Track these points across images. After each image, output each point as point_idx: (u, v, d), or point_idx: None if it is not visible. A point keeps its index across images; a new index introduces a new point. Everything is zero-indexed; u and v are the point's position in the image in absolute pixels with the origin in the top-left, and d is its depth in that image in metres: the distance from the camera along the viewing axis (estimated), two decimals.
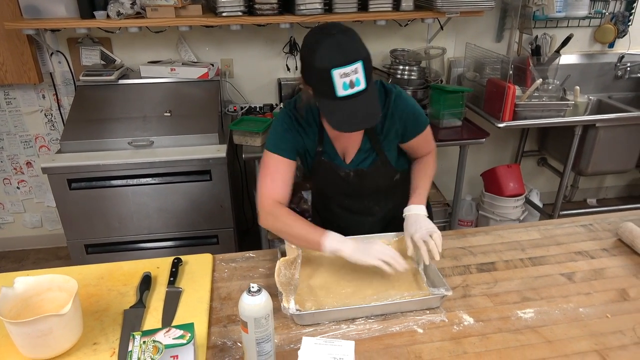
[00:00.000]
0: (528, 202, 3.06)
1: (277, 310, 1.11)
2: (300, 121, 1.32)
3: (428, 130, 1.41)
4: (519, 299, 1.19)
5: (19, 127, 2.71)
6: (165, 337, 0.96)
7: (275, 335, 1.08)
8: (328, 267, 1.30)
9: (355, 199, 1.51)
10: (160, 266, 1.31)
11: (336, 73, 1.05)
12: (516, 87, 2.62)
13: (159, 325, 1.10)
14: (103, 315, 1.14)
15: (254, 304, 0.89)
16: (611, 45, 3.00)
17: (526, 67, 2.75)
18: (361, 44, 1.12)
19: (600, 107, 2.92)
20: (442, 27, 2.66)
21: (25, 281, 1.06)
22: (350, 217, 1.56)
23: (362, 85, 1.09)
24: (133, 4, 2.15)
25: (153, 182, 2.18)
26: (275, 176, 1.30)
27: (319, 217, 1.66)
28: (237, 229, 2.49)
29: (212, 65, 2.48)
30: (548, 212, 2.91)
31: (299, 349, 0.86)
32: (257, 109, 2.70)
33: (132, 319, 1.11)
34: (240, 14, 2.23)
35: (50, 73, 2.59)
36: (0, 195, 2.89)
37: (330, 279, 1.26)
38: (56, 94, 2.65)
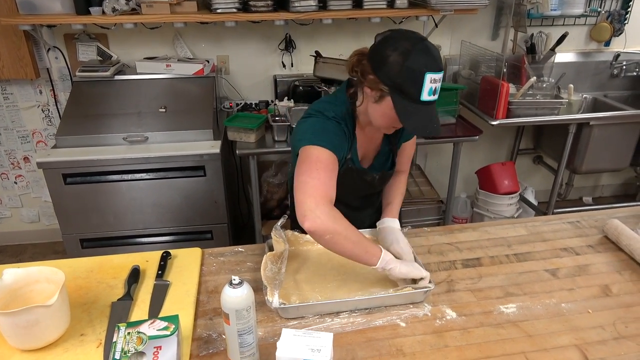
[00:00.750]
0: (523, 199, 3.08)
1: (263, 303, 1.13)
2: (346, 131, 1.27)
3: (415, 141, 1.51)
4: (502, 294, 1.21)
5: (16, 123, 2.73)
6: (149, 329, 0.97)
7: (259, 327, 1.10)
8: (314, 262, 1.32)
9: (366, 198, 1.54)
10: (149, 260, 1.33)
11: (429, 77, 1.09)
12: (511, 85, 2.64)
13: (146, 317, 1.12)
14: (91, 307, 1.16)
15: (235, 296, 0.91)
16: (607, 43, 3.01)
17: (521, 65, 2.76)
18: None
19: (596, 106, 2.92)
20: (436, 25, 2.67)
21: (14, 273, 1.07)
22: (352, 213, 1.57)
23: (437, 95, 1.15)
24: (128, 0, 2.16)
25: (147, 177, 2.20)
26: (332, 174, 1.17)
27: None
28: (232, 224, 2.51)
29: (208, 61, 2.49)
30: (543, 210, 2.92)
31: None
32: (253, 106, 2.72)
33: (120, 311, 1.13)
34: (234, 10, 2.24)
35: (47, 69, 2.61)
36: None
37: (316, 273, 1.27)
38: (53, 89, 2.67)
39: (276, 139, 2.31)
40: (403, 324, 1.11)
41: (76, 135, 2.20)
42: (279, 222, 1.31)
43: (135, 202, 2.24)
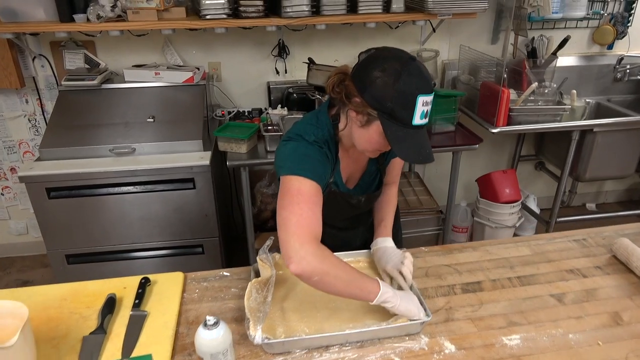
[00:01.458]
0: (525, 208, 2.99)
1: (247, 336, 1.05)
2: (328, 155, 1.18)
3: None
4: (505, 324, 1.12)
5: (2, 133, 2.65)
6: None
7: None
8: (303, 288, 1.23)
9: (354, 219, 1.46)
10: (127, 286, 1.24)
11: (421, 100, 1.01)
12: (511, 90, 2.56)
13: (119, 354, 1.04)
14: (61, 342, 1.07)
15: (210, 339, 0.83)
16: (610, 46, 2.92)
17: (522, 70, 2.67)
18: None
19: (599, 111, 2.84)
20: (434, 30, 2.59)
21: None
22: (341, 234, 1.50)
23: (428, 119, 1.07)
24: (114, 6, 2.08)
25: (135, 190, 2.12)
26: (315, 207, 1.07)
27: None
28: (224, 237, 2.42)
29: (198, 69, 2.41)
30: (545, 218, 2.84)
31: None
32: (246, 114, 2.63)
33: (91, 347, 1.05)
34: (224, 16, 2.16)
35: (33, 77, 2.53)
36: None
37: (305, 301, 1.19)
38: (40, 98, 2.59)
39: (268, 149, 2.22)
40: (398, 359, 1.03)
41: (61, 147, 2.12)
42: (266, 245, 1.22)
43: (122, 216, 2.16)
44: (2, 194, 2.81)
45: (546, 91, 2.49)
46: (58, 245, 2.19)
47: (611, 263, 1.34)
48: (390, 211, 1.43)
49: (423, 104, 1.02)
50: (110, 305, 1.15)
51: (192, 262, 2.32)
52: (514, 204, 2.78)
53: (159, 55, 2.57)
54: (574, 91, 2.56)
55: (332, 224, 1.47)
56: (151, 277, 1.28)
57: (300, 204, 1.05)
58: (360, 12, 2.26)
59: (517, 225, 2.87)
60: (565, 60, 2.85)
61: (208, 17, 2.14)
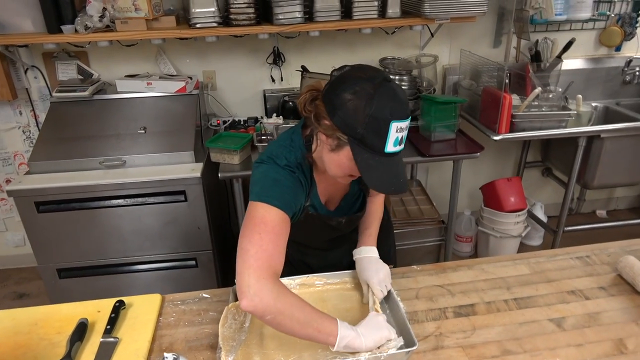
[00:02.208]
0: (531, 216, 2.89)
1: None
2: (302, 180, 1.11)
3: None
4: (499, 352, 1.04)
5: None
6: None
7: None
8: None
9: (337, 238, 1.39)
10: (101, 310, 1.19)
11: (395, 126, 0.94)
12: (514, 96, 2.47)
13: None
14: None
15: None
16: (618, 48, 2.82)
17: (525, 74, 2.58)
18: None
19: (607, 115, 2.74)
20: (432, 34, 2.51)
21: None
22: (326, 254, 1.44)
23: (403, 145, 1.00)
24: (102, 17, 2.04)
25: (125, 203, 2.07)
26: (278, 239, 1.00)
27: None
28: (219, 250, 2.36)
29: (191, 78, 2.36)
30: (553, 227, 2.73)
31: None
32: (242, 123, 2.58)
33: None
34: (215, 25, 2.11)
35: (27, 89, 2.50)
36: None
37: None
38: (33, 110, 2.56)
39: None
40: None
41: (50, 160, 2.08)
42: None
43: (114, 229, 2.11)
44: None
45: (550, 96, 2.40)
46: (49, 259, 2.15)
47: (616, 283, 1.25)
48: (376, 220, 1.35)
49: (397, 130, 0.94)
50: (80, 332, 1.10)
51: (186, 276, 2.26)
52: (520, 213, 2.68)
53: (152, 65, 2.53)
54: (580, 96, 2.46)
55: (315, 246, 1.40)
56: (127, 299, 1.22)
57: (261, 233, 0.98)
58: (355, 17, 2.19)
59: (524, 234, 2.77)
60: (571, 63, 2.76)
61: (198, 25, 2.10)
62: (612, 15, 2.68)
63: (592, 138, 2.40)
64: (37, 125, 2.60)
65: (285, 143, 1.12)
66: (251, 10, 2.10)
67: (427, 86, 2.57)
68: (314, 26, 2.17)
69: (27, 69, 2.45)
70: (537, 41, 2.68)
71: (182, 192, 2.07)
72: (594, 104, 2.71)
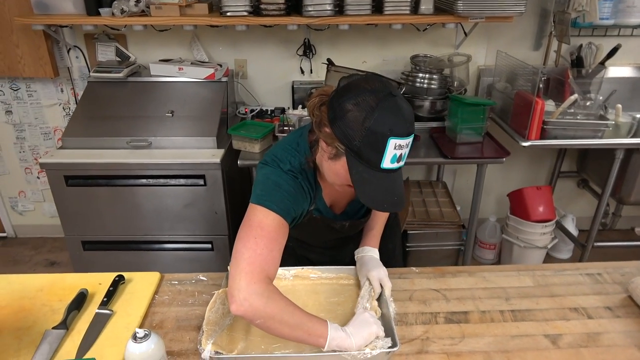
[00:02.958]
0: (560, 228, 2.77)
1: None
2: (304, 186, 1.10)
3: None
4: None
5: (39, 119, 2.78)
6: None
7: None
8: None
9: (339, 240, 1.40)
10: (102, 283, 1.24)
11: (393, 143, 0.91)
12: (550, 102, 2.37)
13: (74, 352, 1.03)
14: (25, 333, 1.08)
15: (139, 352, 0.79)
16: None
17: (565, 79, 2.46)
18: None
19: None
20: (465, 34, 2.44)
21: None
22: (329, 251, 1.44)
23: (403, 162, 0.97)
24: (138, 1, 2.11)
25: (148, 183, 2.14)
26: (273, 244, 1.00)
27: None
28: (236, 235, 2.40)
29: (220, 65, 2.40)
30: (582, 242, 2.61)
31: None
32: (268, 112, 2.60)
33: (50, 342, 1.04)
34: (245, 13, 2.13)
35: (68, 68, 2.63)
36: (22, 184, 2.98)
37: None
38: (73, 88, 2.69)
39: None
40: None
41: (81, 137, 2.18)
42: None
43: (136, 207, 2.19)
44: (38, 178, 2.94)
45: (588, 104, 2.28)
46: (75, 231, 2.26)
47: (625, 305, 1.19)
48: (380, 222, 1.34)
49: (396, 147, 0.91)
50: (79, 301, 1.15)
51: (202, 259, 2.32)
52: (547, 224, 2.58)
53: (187, 51, 2.59)
54: (619, 105, 2.33)
55: (317, 245, 1.41)
56: (128, 275, 1.27)
57: (257, 238, 0.97)
58: (385, 12, 2.16)
59: (550, 246, 2.66)
60: (617, 71, 2.60)
61: (229, 14, 2.13)
62: None
63: (630, 151, 2.27)
64: (76, 103, 2.72)
65: (291, 146, 1.11)
66: (281, 0, 2.11)
67: (458, 86, 2.50)
68: (344, 19, 2.15)
69: (70, 48, 2.57)
70: (581, 46, 2.55)
71: (202, 177, 2.12)
72: (638, 116, 2.55)
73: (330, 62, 2.28)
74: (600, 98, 2.39)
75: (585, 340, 1.07)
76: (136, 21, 2.15)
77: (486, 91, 2.69)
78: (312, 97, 1.05)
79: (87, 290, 1.19)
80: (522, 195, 2.60)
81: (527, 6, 2.22)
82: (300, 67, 2.63)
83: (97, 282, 1.24)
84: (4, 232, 3.12)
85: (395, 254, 1.54)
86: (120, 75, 2.36)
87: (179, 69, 2.38)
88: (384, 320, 1.09)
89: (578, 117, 2.25)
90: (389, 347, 0.99)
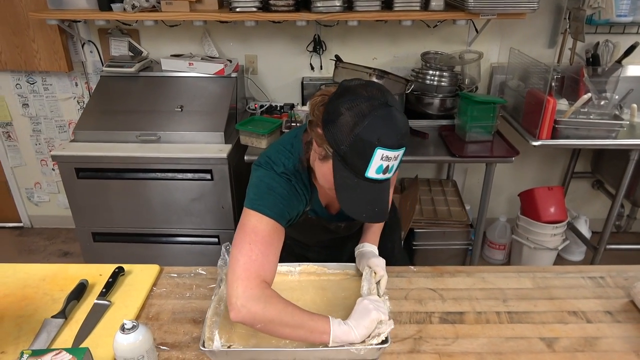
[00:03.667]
0: (573, 229, 2.72)
1: (198, 339, 1.02)
2: (298, 188, 1.09)
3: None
4: None
5: (55, 112, 2.84)
6: None
7: None
8: (291, 295, 1.18)
9: (335, 240, 1.39)
10: (103, 274, 1.26)
11: (380, 153, 0.90)
12: (563, 101, 2.33)
13: (71, 340, 1.05)
14: (25, 321, 1.11)
15: (126, 343, 0.80)
16: None
17: (579, 78, 2.41)
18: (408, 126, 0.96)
19: None
20: (477, 30, 2.40)
21: None
22: (326, 251, 1.44)
23: (391, 174, 0.95)
24: None
25: (156, 177, 2.17)
26: (268, 249, 1.00)
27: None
28: None
29: (230, 61, 2.42)
30: (594, 244, 2.55)
31: None
32: (278, 108, 2.61)
33: (49, 330, 1.07)
34: (254, 9, 2.14)
35: (82, 62, 2.67)
36: (38, 175, 3.05)
37: None
38: (87, 82, 2.73)
39: None
40: None
41: (92, 131, 2.22)
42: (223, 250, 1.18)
43: (144, 200, 2.23)
44: (53, 170, 3.01)
45: (602, 103, 2.22)
46: (85, 222, 2.30)
47: (627, 309, 1.16)
48: None
49: (382, 158, 0.90)
50: (78, 291, 1.17)
51: (208, 252, 2.34)
52: (558, 225, 2.53)
53: (198, 46, 2.61)
54: (634, 105, 2.26)
55: (313, 244, 1.41)
56: (127, 267, 1.29)
57: (252, 244, 0.98)
58: (395, 8, 2.14)
59: (561, 247, 2.61)
60: (635, 69, 2.53)
61: (238, 9, 2.14)
62: None
63: None
64: (90, 97, 2.77)
65: (285, 147, 1.11)
66: None
67: (469, 84, 2.47)
68: (353, 15, 2.14)
69: (84, 43, 2.61)
70: (597, 44, 2.49)
71: (209, 171, 2.14)
72: None
73: (338, 59, 2.27)
74: (616, 97, 2.33)
75: (582, 344, 1.05)
76: (147, 16, 2.17)
77: (499, 89, 2.65)
78: (315, 95, 1.04)
79: (87, 281, 1.22)
80: (533, 195, 2.56)
81: (541, 3, 2.19)
82: (310, 64, 2.63)
83: (98, 273, 1.27)
84: (21, 222, 3.20)
85: (395, 254, 1.53)
86: (132, 70, 2.40)
87: (189, 64, 2.40)
88: None
89: (591, 117, 2.20)
90: (380, 344, 0.98)
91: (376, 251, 1.28)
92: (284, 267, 1.28)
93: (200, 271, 1.30)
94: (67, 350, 0.92)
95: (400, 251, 1.60)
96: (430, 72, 2.37)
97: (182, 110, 2.28)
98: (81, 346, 1.02)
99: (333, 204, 1.24)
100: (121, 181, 2.19)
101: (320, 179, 1.04)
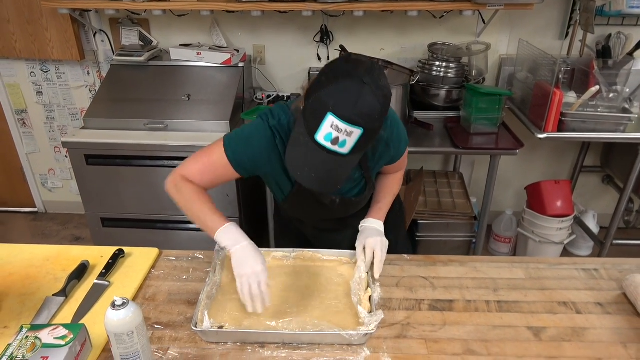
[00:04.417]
0: (580, 224, 2.69)
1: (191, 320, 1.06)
2: (280, 147, 1.14)
3: (406, 150, 1.32)
4: (461, 351, 1.02)
5: (68, 100, 2.90)
6: (48, 335, 0.94)
7: (176, 346, 1.03)
8: (285, 280, 1.21)
9: (333, 221, 1.41)
10: (104, 256, 1.30)
11: (330, 119, 0.92)
12: (572, 93, 2.29)
13: (70, 317, 1.09)
14: (28, 299, 1.15)
15: (116, 319, 0.83)
16: None
17: (589, 70, 2.37)
18: (380, 112, 0.96)
19: None
20: (484, 21, 2.38)
21: None
22: (324, 235, 1.46)
23: (343, 150, 0.96)
24: None
25: (162, 164, 2.21)
26: (208, 171, 1.19)
27: (285, 230, 1.57)
28: (249, 218, 2.46)
29: (237, 51, 2.44)
30: (601, 239, 2.53)
31: None
32: (285, 98, 2.63)
33: (50, 307, 1.12)
34: None
35: (94, 51, 2.72)
36: (52, 162, 3.13)
37: (280, 294, 1.16)
38: (99, 71, 2.79)
39: None
40: None
41: (102, 118, 2.27)
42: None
43: (151, 187, 2.27)
44: (66, 157, 3.08)
45: (611, 96, 2.19)
46: (95, 208, 2.36)
47: (618, 302, 1.16)
48: (389, 196, 1.36)
49: (332, 126, 0.92)
50: (79, 271, 1.22)
51: (213, 239, 2.38)
52: (564, 219, 2.51)
53: (207, 36, 2.64)
54: None
55: (311, 224, 1.42)
56: (128, 249, 1.33)
57: (199, 161, 1.19)
58: None
59: (567, 242, 2.59)
60: None
61: None
62: None
63: None
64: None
65: (287, 105, 1.17)
66: None
67: (476, 75, 2.46)
68: (358, 6, 2.14)
69: (96, 32, 2.66)
70: (609, 35, 2.44)
71: None
72: None
73: (342, 49, 2.28)
74: (627, 90, 2.30)
75: (570, 334, 1.06)
76: (155, 6, 2.20)
77: (507, 81, 2.62)
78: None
79: (88, 262, 1.26)
80: (540, 188, 2.54)
81: None
82: (318, 54, 2.64)
83: (99, 255, 1.31)
84: (35, 207, 3.29)
85: (398, 248, 1.53)
86: (141, 59, 2.43)
87: (197, 53, 2.43)
88: (372, 303, 1.11)
89: (599, 110, 2.17)
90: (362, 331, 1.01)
91: (381, 227, 1.28)
92: (279, 253, 1.30)
93: (197, 255, 1.33)
94: (64, 325, 0.96)
95: (405, 245, 1.60)
96: (437, 63, 2.36)
97: (189, 99, 2.31)
98: (80, 323, 1.06)
99: None
100: (129, 168, 2.23)
101: None
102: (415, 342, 1.04)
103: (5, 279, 1.22)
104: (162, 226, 2.39)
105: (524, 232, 2.64)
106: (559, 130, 2.15)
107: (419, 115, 2.37)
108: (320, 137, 0.94)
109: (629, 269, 1.27)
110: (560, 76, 2.09)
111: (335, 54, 2.59)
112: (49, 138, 3.03)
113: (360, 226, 1.30)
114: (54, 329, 0.95)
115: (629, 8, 2.24)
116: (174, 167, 2.14)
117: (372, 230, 1.27)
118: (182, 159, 2.12)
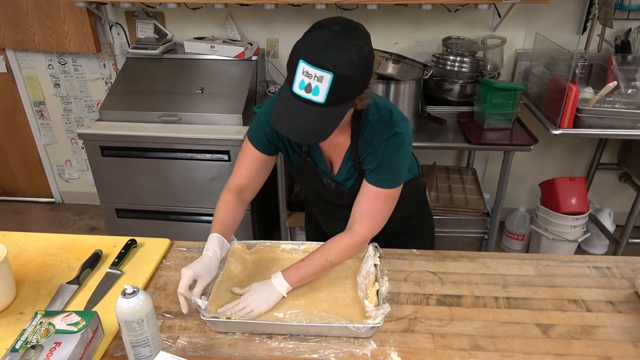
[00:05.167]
0: (595, 222, 2.65)
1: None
2: None
3: (384, 192, 1.15)
4: (468, 346, 1.01)
5: (84, 92, 2.94)
6: (61, 322, 0.96)
7: (185, 335, 1.04)
8: None
9: (334, 208, 1.40)
10: (117, 245, 1.33)
11: (302, 66, 0.94)
12: (589, 89, 2.26)
13: (83, 305, 1.12)
14: (43, 286, 1.18)
15: (126, 307, 0.85)
16: None
17: (608, 66, 2.33)
18: (351, 60, 0.94)
19: None
20: (499, 15, 2.35)
21: None
22: (331, 223, 1.46)
23: (319, 98, 0.96)
24: None
25: (176, 156, 2.24)
26: (242, 165, 1.27)
27: (309, 219, 1.64)
28: (259, 212, 2.47)
29: (251, 44, 2.45)
30: (616, 237, 2.49)
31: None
32: None
33: (63, 295, 1.14)
34: None
35: (110, 44, 2.76)
36: (69, 153, 3.18)
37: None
38: (115, 63, 2.82)
39: None
40: None
41: (117, 111, 2.30)
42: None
43: (165, 179, 2.30)
44: (83, 148, 3.13)
45: (629, 92, 2.15)
46: (109, 199, 2.40)
47: (630, 300, 1.14)
48: (321, 258, 1.15)
49: (303, 73, 0.94)
50: (93, 260, 1.24)
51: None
52: (579, 217, 2.48)
53: (221, 29, 2.65)
54: None
55: (323, 210, 1.43)
56: (140, 239, 1.35)
57: (237, 159, 1.29)
58: None
59: (581, 240, 2.56)
60: None
61: None
62: None
63: None
64: None
65: None
66: None
67: (491, 70, 2.42)
68: None
69: (112, 25, 2.69)
70: (629, 30, 2.39)
71: (227, 152, 2.19)
72: None
73: None
74: None
75: (579, 332, 1.05)
76: None
77: (523, 76, 2.59)
78: None
79: (101, 251, 1.28)
80: (554, 185, 2.51)
81: None
82: None
83: (112, 244, 1.33)
84: (52, 197, 3.35)
85: (426, 245, 1.50)
86: (156, 52, 2.46)
87: (211, 47, 2.44)
88: (379, 297, 1.11)
89: (616, 106, 2.13)
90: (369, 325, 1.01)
91: (281, 290, 1.12)
92: (288, 245, 1.31)
93: None
94: (77, 312, 0.99)
95: (430, 242, 1.59)
96: (451, 57, 2.33)
97: (202, 92, 2.33)
98: (92, 310, 1.09)
99: (333, 162, 1.26)
100: (143, 160, 2.26)
101: None
102: (422, 336, 1.04)
103: (22, 266, 1.25)
104: (175, 217, 2.41)
105: (537, 229, 2.61)
106: (575, 126, 2.12)
107: (432, 109, 2.35)
108: (296, 87, 0.97)
109: None
110: (577, 71, 2.06)
111: None
112: (66, 129, 3.08)
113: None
114: (67, 316, 0.97)
115: None
116: (187, 159, 2.22)
117: (263, 286, 1.12)
118: (195, 151, 2.20)
